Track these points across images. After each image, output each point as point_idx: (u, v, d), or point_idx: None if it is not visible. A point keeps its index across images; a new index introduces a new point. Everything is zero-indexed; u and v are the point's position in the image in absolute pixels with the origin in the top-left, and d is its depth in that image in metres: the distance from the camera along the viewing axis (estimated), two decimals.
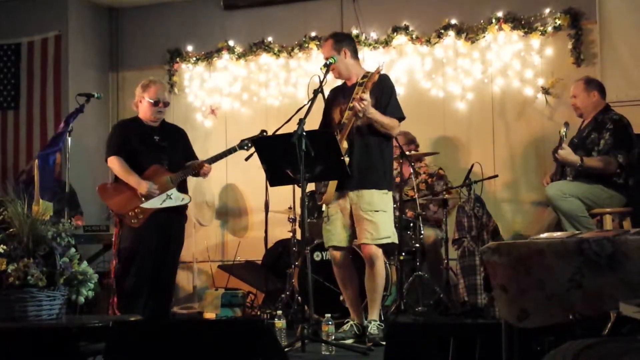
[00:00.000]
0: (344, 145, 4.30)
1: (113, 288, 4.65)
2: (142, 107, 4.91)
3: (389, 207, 4.32)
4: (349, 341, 4.20)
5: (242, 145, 4.95)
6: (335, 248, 4.35)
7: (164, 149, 4.92)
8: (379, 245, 4.24)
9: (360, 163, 4.28)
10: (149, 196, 4.71)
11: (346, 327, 4.33)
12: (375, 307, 4.29)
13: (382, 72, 4.35)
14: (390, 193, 4.38)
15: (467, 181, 5.29)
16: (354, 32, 6.31)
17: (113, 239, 4.75)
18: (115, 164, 4.78)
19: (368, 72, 4.41)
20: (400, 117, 4.35)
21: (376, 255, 4.24)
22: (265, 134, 4.94)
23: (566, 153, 4.72)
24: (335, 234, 4.35)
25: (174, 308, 6.03)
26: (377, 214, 4.22)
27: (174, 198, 4.78)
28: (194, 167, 4.91)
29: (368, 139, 4.30)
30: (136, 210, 4.69)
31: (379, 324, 4.22)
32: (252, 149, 4.57)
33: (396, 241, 4.39)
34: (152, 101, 4.88)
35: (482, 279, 4.89)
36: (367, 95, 4.15)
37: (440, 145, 6.08)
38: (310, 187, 4.90)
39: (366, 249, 4.24)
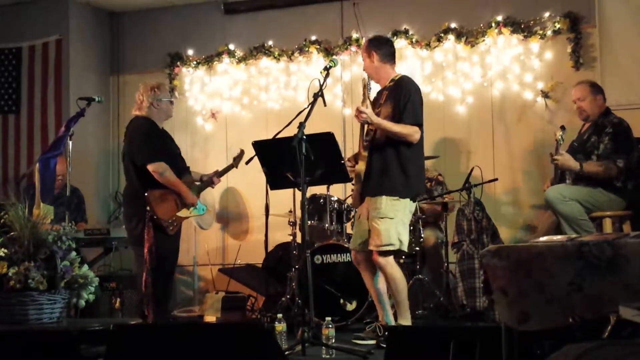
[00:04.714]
0: (364, 153, 4.33)
1: (149, 295, 4.52)
2: (160, 109, 4.81)
3: (399, 214, 4.25)
4: (369, 342, 4.23)
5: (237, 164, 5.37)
6: (354, 250, 4.46)
7: (180, 156, 5.00)
8: (384, 252, 4.23)
9: (376, 170, 4.29)
10: (183, 205, 4.75)
11: (369, 327, 4.38)
12: (399, 311, 4.28)
13: (403, 75, 4.45)
14: (405, 200, 4.28)
15: (467, 185, 5.30)
16: (354, 35, 6.33)
17: (146, 246, 4.52)
18: (165, 169, 4.63)
19: (396, 76, 4.43)
20: (416, 124, 4.27)
21: (381, 262, 4.23)
22: (242, 152, 5.36)
23: (564, 159, 4.71)
24: (354, 237, 4.49)
25: (175, 311, 6.03)
26: (382, 221, 4.20)
27: (199, 208, 4.87)
28: (211, 181, 5.09)
29: (385, 146, 4.29)
30: (174, 218, 4.71)
31: None
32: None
33: (404, 249, 4.32)
34: (171, 100, 4.95)
35: (482, 282, 4.89)
36: (365, 107, 4.21)
37: (440, 149, 6.08)
38: (311, 190, 4.91)
39: (373, 255, 4.27)
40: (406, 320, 4.26)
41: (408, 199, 4.30)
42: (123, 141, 4.93)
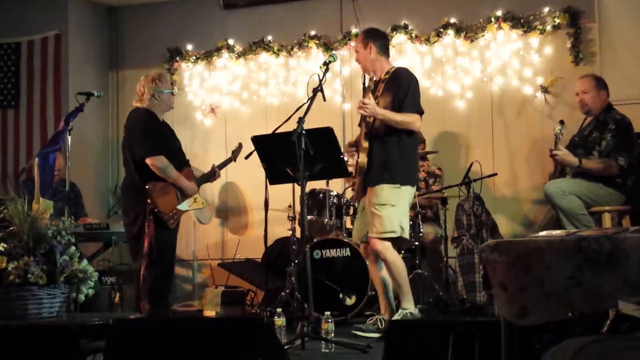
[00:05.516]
0: (364, 144, 4.34)
1: (145, 289, 4.55)
2: (161, 101, 4.79)
3: (401, 201, 4.30)
4: (371, 335, 4.24)
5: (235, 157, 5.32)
6: (363, 243, 4.49)
7: (180, 149, 4.98)
8: (385, 239, 4.25)
9: (378, 161, 4.32)
10: (183, 198, 4.74)
11: (371, 320, 4.38)
12: (403, 296, 4.31)
13: (398, 67, 4.47)
14: (406, 187, 4.33)
15: (467, 179, 5.30)
16: (354, 30, 6.32)
17: (145, 239, 4.54)
18: (166, 165, 4.64)
19: (391, 68, 4.44)
20: (417, 112, 4.34)
21: (380, 249, 4.26)
22: (241, 145, 5.33)
23: (563, 154, 4.71)
24: (357, 229, 4.53)
25: (174, 306, 6.04)
26: (384, 208, 4.23)
27: (198, 202, 4.85)
28: (212, 173, 5.10)
29: (386, 136, 4.32)
30: (175, 212, 4.70)
31: (408, 312, 4.24)
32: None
33: (406, 236, 4.36)
34: (172, 91, 4.94)
35: (481, 276, 4.89)
36: (368, 99, 4.21)
37: (440, 144, 6.08)
38: (310, 185, 4.91)
39: (371, 242, 4.30)
40: (410, 303, 4.30)
41: (409, 186, 4.34)
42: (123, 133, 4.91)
